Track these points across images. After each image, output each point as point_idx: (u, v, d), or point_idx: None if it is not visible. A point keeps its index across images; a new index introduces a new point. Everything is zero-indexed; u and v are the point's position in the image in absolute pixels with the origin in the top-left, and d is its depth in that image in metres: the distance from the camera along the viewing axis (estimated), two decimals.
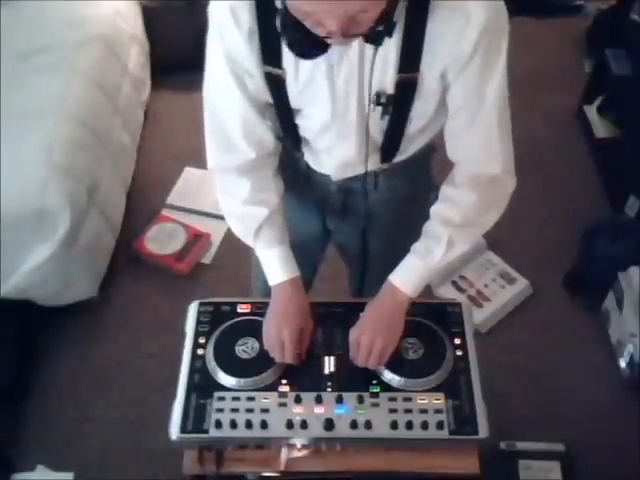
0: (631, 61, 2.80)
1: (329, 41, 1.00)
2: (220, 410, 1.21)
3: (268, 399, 1.23)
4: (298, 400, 1.23)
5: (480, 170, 1.22)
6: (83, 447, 2.07)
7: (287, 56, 1.09)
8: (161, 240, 2.57)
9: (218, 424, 1.19)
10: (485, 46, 1.05)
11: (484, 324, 2.31)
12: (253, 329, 1.31)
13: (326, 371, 1.27)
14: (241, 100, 1.18)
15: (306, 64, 1.10)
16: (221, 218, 1.35)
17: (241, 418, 1.20)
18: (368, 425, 1.20)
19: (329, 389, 1.24)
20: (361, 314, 1.30)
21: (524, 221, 2.57)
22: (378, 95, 1.13)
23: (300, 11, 0.95)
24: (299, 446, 1.23)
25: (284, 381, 1.26)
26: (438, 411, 1.21)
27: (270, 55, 1.11)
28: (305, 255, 1.44)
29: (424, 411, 1.21)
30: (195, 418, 1.21)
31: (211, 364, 1.27)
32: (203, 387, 1.25)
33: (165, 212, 2.70)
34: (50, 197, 2.08)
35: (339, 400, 1.22)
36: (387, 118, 1.17)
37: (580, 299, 2.42)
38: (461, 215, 1.23)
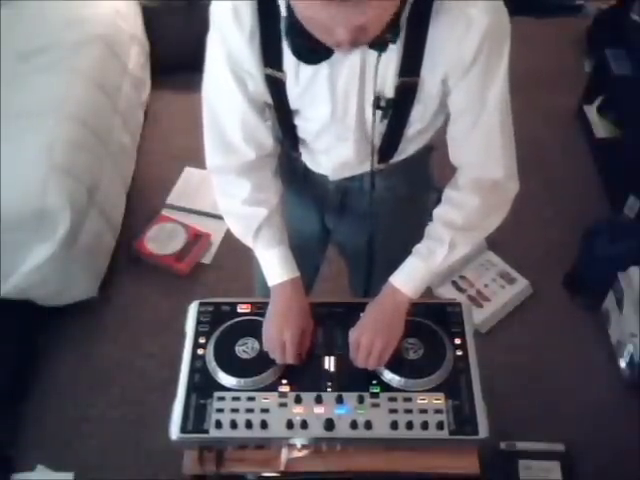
0: (631, 61, 2.80)
1: (336, 49, 1.00)
2: (220, 410, 1.21)
3: (268, 399, 1.23)
4: (298, 400, 1.23)
5: (482, 174, 1.22)
6: (83, 447, 2.07)
7: (288, 58, 1.09)
8: (161, 240, 2.57)
9: (218, 424, 1.19)
10: (487, 51, 1.05)
11: (484, 324, 2.32)
12: (253, 329, 1.31)
13: (326, 371, 1.27)
14: (241, 101, 1.18)
15: (307, 67, 1.10)
16: (221, 218, 1.35)
17: (241, 418, 1.20)
18: (368, 425, 1.20)
19: (329, 389, 1.24)
20: (361, 314, 1.30)
21: (524, 221, 2.57)
22: (378, 99, 1.13)
23: (310, 21, 0.94)
24: (299, 446, 1.23)
25: (284, 381, 1.26)
26: (438, 411, 1.21)
27: (271, 57, 1.11)
28: (306, 254, 1.43)
29: (424, 411, 1.21)
30: (195, 418, 1.21)
31: (211, 364, 1.27)
32: (203, 387, 1.25)
33: (165, 212, 2.71)
34: (50, 197, 2.08)
35: (339, 400, 1.22)
36: (386, 121, 1.17)
37: (580, 299, 2.42)
38: (463, 218, 1.23)
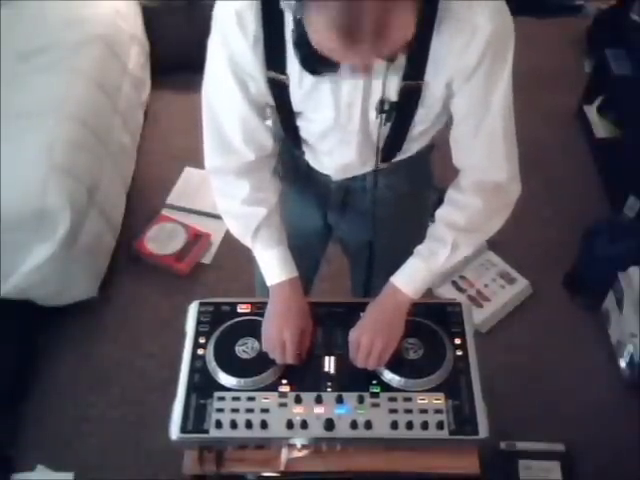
0: (631, 61, 2.80)
1: (351, 72, 1.00)
2: (220, 410, 1.21)
3: (268, 399, 1.23)
4: (298, 400, 1.23)
5: (485, 177, 1.22)
6: (83, 447, 2.07)
7: (291, 62, 1.08)
8: (161, 240, 2.57)
9: (218, 424, 1.19)
10: (491, 56, 1.05)
11: (484, 324, 2.32)
12: (253, 329, 1.31)
13: (326, 371, 1.27)
14: (242, 103, 1.18)
15: None
16: (221, 218, 1.35)
17: (241, 418, 1.20)
18: (368, 425, 1.20)
19: (329, 389, 1.24)
20: (361, 314, 1.30)
21: (524, 221, 2.57)
22: (382, 102, 1.12)
23: (327, 53, 0.93)
24: (299, 446, 1.23)
25: (284, 381, 1.26)
26: (438, 411, 1.21)
27: (274, 61, 1.11)
28: (307, 250, 1.43)
29: (424, 411, 1.21)
30: (195, 418, 1.21)
31: (211, 364, 1.27)
32: (203, 387, 1.25)
33: (165, 212, 2.71)
34: (50, 197, 2.08)
35: (339, 400, 1.22)
36: (389, 124, 1.17)
37: (580, 299, 2.42)
38: (466, 219, 1.23)
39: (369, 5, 0.83)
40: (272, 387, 1.25)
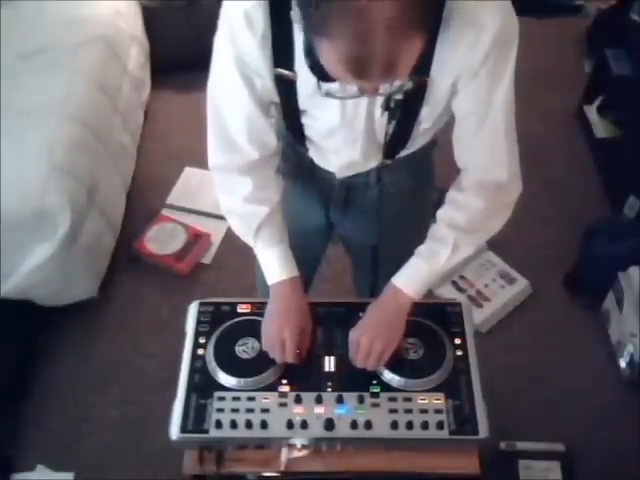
0: (631, 61, 2.79)
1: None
2: (220, 410, 1.22)
3: (268, 399, 1.23)
4: (298, 400, 1.23)
5: (486, 177, 1.22)
6: (83, 447, 2.07)
7: (299, 59, 1.08)
8: (161, 240, 2.57)
9: (218, 424, 1.19)
10: (495, 55, 1.05)
11: (484, 324, 2.32)
12: (253, 329, 1.31)
13: (326, 371, 1.27)
14: (247, 101, 1.17)
15: None
16: (221, 218, 1.36)
17: (241, 418, 1.20)
18: (368, 425, 1.20)
19: (329, 389, 1.24)
20: (361, 314, 1.30)
21: (524, 221, 2.56)
22: (387, 100, 1.12)
23: (337, 77, 0.94)
24: (299, 446, 1.23)
25: (284, 381, 1.26)
26: (438, 411, 1.21)
27: (282, 58, 1.10)
28: (308, 246, 1.43)
29: (424, 411, 1.21)
30: (195, 418, 1.21)
31: (211, 364, 1.27)
32: (203, 387, 1.25)
33: (165, 212, 2.70)
34: (50, 197, 2.08)
35: (339, 400, 1.22)
36: (394, 122, 1.17)
37: (580, 299, 2.42)
38: (467, 219, 1.23)
39: (380, 43, 0.83)
40: (272, 387, 1.25)
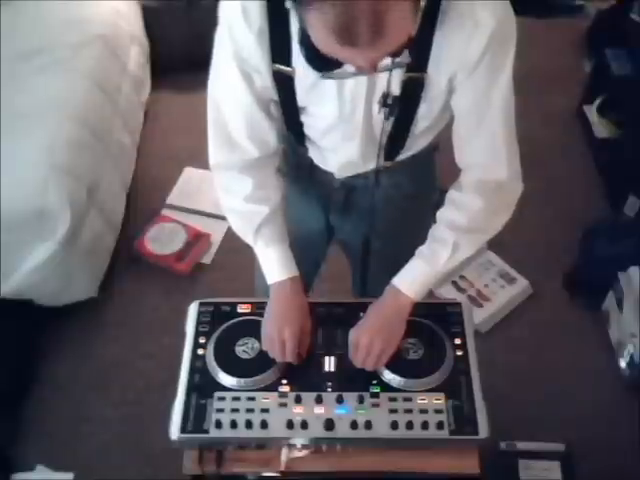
0: (631, 61, 2.79)
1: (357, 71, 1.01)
2: (220, 410, 1.22)
3: (268, 399, 1.23)
4: (298, 400, 1.23)
5: (487, 176, 1.22)
6: (83, 447, 2.07)
7: (297, 54, 1.09)
8: (161, 240, 2.57)
9: (218, 424, 1.19)
10: (493, 51, 1.06)
11: (484, 324, 2.32)
12: (253, 329, 1.31)
13: (326, 371, 1.27)
14: (247, 99, 1.18)
15: None
16: (221, 218, 1.36)
17: (241, 418, 1.20)
18: (368, 425, 1.20)
19: (329, 389, 1.24)
20: (361, 314, 1.30)
21: (524, 221, 2.53)
22: (385, 96, 1.13)
23: (330, 53, 0.94)
24: (299, 446, 1.23)
25: (284, 381, 1.26)
26: (438, 411, 1.21)
27: (280, 54, 1.11)
28: (308, 250, 1.43)
29: (424, 411, 1.21)
30: (195, 418, 1.21)
31: (211, 364, 1.27)
32: (203, 387, 1.25)
33: (165, 212, 2.70)
34: (50, 197, 2.08)
35: (339, 400, 1.22)
36: (393, 119, 1.17)
37: (580, 299, 2.42)
38: (467, 219, 1.23)
39: (364, 7, 0.84)
40: (272, 387, 1.25)
